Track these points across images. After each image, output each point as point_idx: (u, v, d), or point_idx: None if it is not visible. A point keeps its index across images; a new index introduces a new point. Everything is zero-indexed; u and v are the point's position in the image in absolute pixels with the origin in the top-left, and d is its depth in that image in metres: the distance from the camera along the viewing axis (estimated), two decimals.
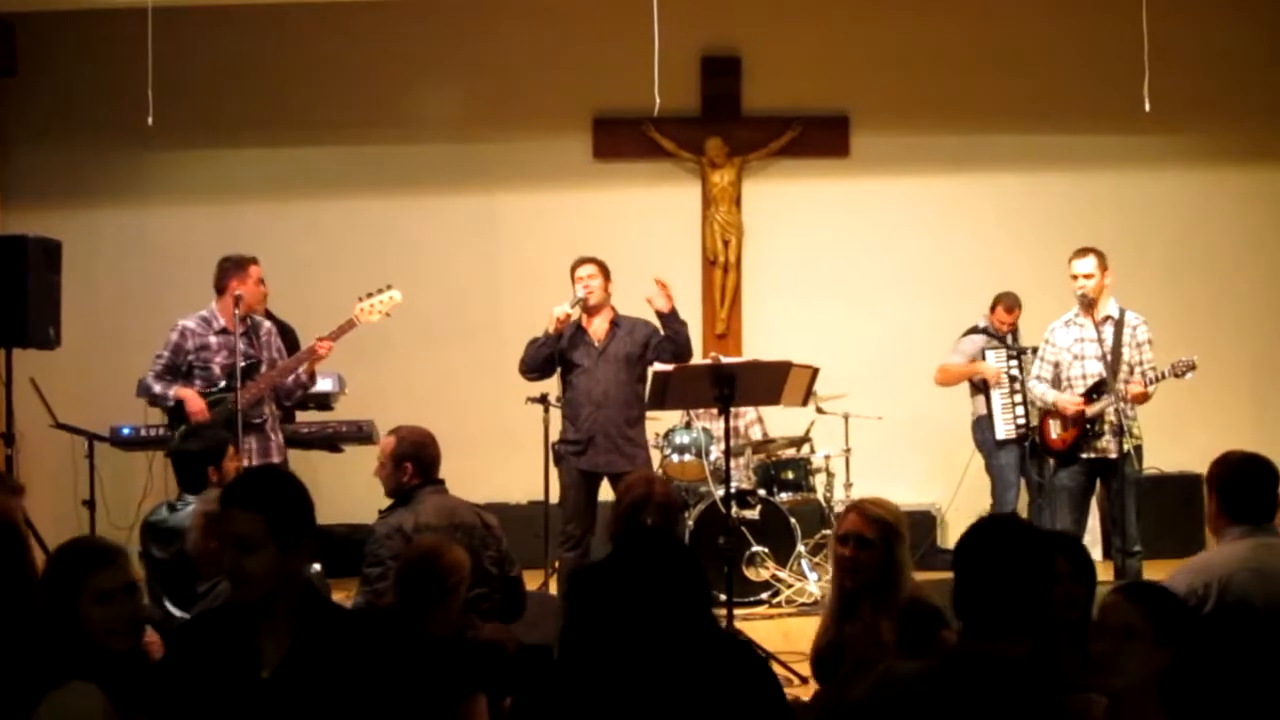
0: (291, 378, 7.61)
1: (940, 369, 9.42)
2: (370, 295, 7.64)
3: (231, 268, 7.55)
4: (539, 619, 6.17)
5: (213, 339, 7.55)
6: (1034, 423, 8.67)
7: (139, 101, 8.26)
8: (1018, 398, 9.04)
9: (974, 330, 9.42)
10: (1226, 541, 4.63)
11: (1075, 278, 7.68)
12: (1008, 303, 9.35)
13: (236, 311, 7.37)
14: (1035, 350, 8.20)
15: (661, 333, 7.74)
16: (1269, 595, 4.41)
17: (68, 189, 10.36)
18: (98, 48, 10.14)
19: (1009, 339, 9.35)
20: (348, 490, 8.11)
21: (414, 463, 5.74)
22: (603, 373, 7.72)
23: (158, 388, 7.49)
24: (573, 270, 7.84)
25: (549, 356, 7.75)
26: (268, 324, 7.82)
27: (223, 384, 7.44)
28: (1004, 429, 9.13)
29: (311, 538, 3.44)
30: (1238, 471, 4.64)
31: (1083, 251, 7.72)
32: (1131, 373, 7.62)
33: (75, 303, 8.61)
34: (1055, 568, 3.62)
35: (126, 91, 8.80)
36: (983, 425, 9.30)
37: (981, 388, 9.28)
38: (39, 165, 10.44)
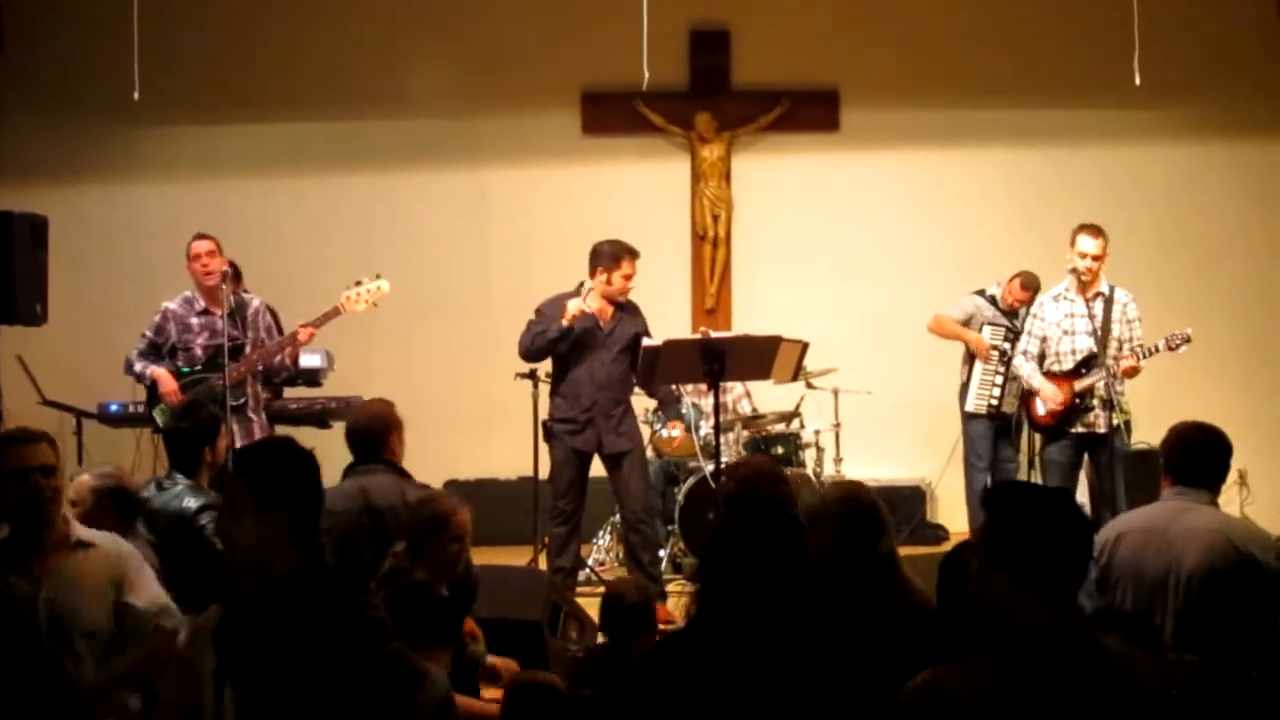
0: (278, 359, 7.63)
1: (935, 318, 9.30)
2: (359, 284, 7.62)
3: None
4: (529, 595, 6.17)
5: (194, 320, 7.58)
6: (1006, 407, 8.72)
7: (125, 77, 8.20)
8: (999, 378, 8.97)
9: (981, 293, 9.32)
10: (1159, 501, 4.83)
11: (1085, 256, 7.61)
12: (1025, 279, 9.06)
13: (225, 288, 7.39)
14: None
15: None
16: (1142, 557, 4.61)
17: (54, 165, 10.30)
18: (84, 23, 10.08)
19: (1014, 317, 9.28)
20: (333, 466, 8.08)
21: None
22: (608, 356, 7.70)
23: (139, 366, 7.60)
24: (617, 259, 7.60)
25: (554, 349, 7.71)
26: (257, 303, 7.81)
27: (201, 365, 7.47)
28: (974, 402, 9.04)
29: (283, 509, 3.22)
30: (1179, 437, 4.83)
31: (1095, 231, 7.64)
32: (1121, 348, 7.63)
33: (62, 279, 8.58)
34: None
35: (113, 67, 8.75)
36: (966, 393, 9.29)
37: (969, 357, 9.25)
38: (25, 141, 10.37)
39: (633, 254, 7.65)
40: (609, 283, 7.62)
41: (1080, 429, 7.64)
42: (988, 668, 3.03)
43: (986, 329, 9.14)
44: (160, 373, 7.48)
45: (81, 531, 4.34)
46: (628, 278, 7.64)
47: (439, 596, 4.65)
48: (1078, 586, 3.12)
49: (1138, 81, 8.12)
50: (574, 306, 7.56)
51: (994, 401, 8.95)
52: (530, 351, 7.76)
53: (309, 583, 3.17)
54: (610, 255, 7.64)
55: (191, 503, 5.49)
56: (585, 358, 7.69)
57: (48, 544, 4.22)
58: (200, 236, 7.65)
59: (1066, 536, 3.09)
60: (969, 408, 9.07)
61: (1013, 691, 2.91)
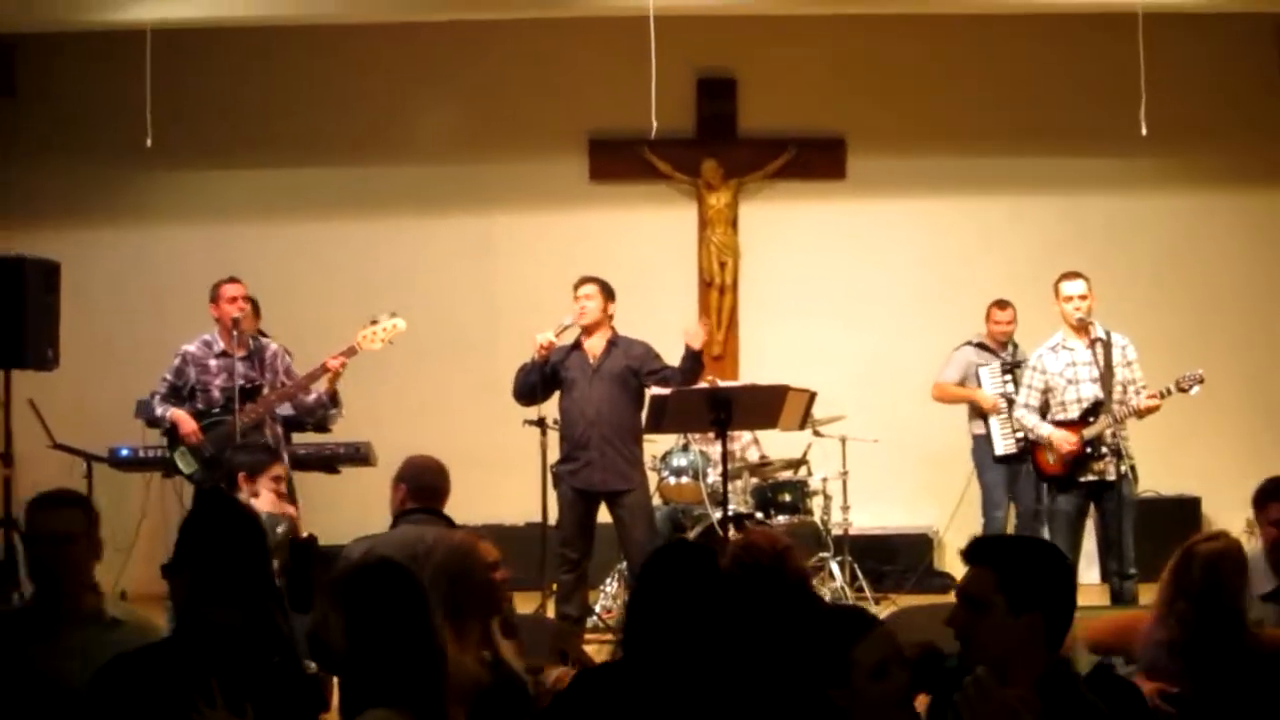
0: (313, 396, 7.70)
1: (936, 385, 9.43)
2: (374, 322, 7.71)
3: (211, 293, 7.75)
4: (534, 643, 6.16)
5: (212, 362, 7.66)
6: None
7: (138, 123, 8.29)
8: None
9: (968, 344, 9.43)
10: None
11: (1070, 299, 7.69)
12: (997, 302, 9.41)
13: (235, 334, 7.49)
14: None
15: (660, 360, 7.79)
16: None
17: (66, 209, 10.36)
18: (97, 69, 10.14)
19: (1006, 351, 9.34)
20: (342, 511, 8.10)
21: (408, 485, 5.73)
22: (597, 390, 7.76)
23: (159, 409, 7.68)
24: (575, 289, 7.92)
25: (535, 383, 7.79)
26: (274, 346, 7.90)
27: (219, 408, 7.54)
28: (1003, 444, 9.06)
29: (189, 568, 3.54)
30: None
31: (1074, 275, 7.75)
32: (1125, 391, 7.63)
33: (73, 323, 8.58)
34: None
35: (125, 112, 8.82)
36: (980, 444, 9.29)
37: (979, 410, 9.29)
38: (38, 186, 10.43)
39: (582, 280, 7.96)
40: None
41: (1091, 477, 7.62)
42: None
43: (984, 374, 9.19)
44: (180, 414, 7.58)
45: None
46: (577, 299, 7.90)
47: None
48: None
49: (1144, 131, 8.17)
50: (541, 339, 7.69)
51: (1019, 436, 8.91)
52: (516, 390, 7.90)
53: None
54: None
55: None
56: (576, 393, 7.82)
57: (73, 617, 3.99)
58: (234, 280, 7.74)
59: (1073, 582, 3.24)
60: (999, 451, 9.06)
61: None
